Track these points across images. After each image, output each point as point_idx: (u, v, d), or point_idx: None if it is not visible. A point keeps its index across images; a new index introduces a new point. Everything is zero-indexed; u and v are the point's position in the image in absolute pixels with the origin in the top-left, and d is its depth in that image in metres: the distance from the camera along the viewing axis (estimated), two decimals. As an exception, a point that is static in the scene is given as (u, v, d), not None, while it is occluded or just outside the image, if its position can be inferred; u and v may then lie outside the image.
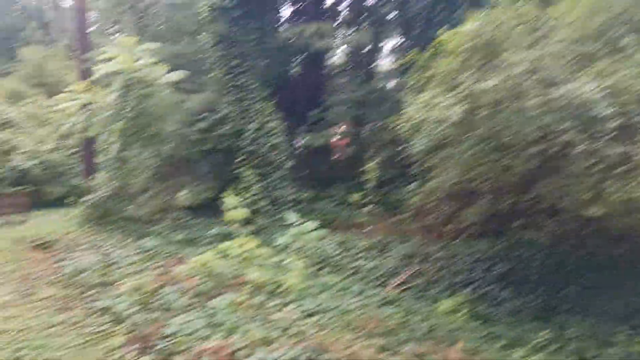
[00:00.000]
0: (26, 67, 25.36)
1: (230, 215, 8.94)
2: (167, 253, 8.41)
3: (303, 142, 15.02)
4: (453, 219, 9.39)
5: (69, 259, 7.76)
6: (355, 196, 12.62)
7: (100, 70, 10.56)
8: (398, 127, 7.61)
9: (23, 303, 5.98)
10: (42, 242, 9.04)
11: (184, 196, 12.21)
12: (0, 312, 5.58)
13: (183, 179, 12.58)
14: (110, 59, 10.64)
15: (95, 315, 5.59)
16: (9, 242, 9.63)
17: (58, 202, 17.44)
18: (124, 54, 10.47)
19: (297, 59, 15.99)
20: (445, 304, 7.33)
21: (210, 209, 11.59)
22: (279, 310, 5.52)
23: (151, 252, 8.37)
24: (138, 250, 8.38)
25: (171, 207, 11.37)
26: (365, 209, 12.31)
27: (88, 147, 14.70)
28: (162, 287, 6.11)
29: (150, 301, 5.72)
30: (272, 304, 5.70)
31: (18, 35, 33.54)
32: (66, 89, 11.68)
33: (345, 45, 17.15)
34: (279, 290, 6.15)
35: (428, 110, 6.89)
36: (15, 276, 7.09)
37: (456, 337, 5.68)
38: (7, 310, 5.68)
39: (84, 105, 11.22)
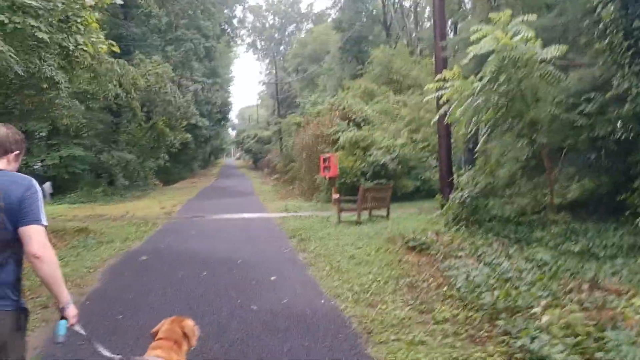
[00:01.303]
0: (375, 67, 26.98)
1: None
2: (567, 270, 6.67)
3: None
4: None
5: (453, 268, 6.80)
6: None
7: (469, 53, 9.49)
8: None
9: (422, 322, 5.15)
10: (416, 242, 8.42)
11: (567, 193, 10.17)
12: (403, 333, 4.82)
13: (561, 172, 10.55)
14: (479, 39, 9.47)
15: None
16: (382, 240, 9.43)
17: (411, 196, 17.60)
18: (497, 31, 9.13)
19: None
20: None
21: (601, 208, 9.31)
22: None
23: (548, 267, 6.77)
24: (530, 264, 6.89)
25: (549, 206, 9.55)
26: None
27: (444, 140, 14.04)
28: (601, 329, 4.44)
29: (592, 353, 4.11)
30: None
31: (366, 39, 36.72)
32: (437, 78, 11.00)
33: None
34: None
35: None
36: (402, 284, 6.44)
37: None
38: (408, 330, 4.89)
39: (452, 94, 10.41)
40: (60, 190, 22.71)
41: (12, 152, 2.54)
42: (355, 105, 20.56)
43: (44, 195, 19.49)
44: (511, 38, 9.07)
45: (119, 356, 2.65)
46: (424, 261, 7.61)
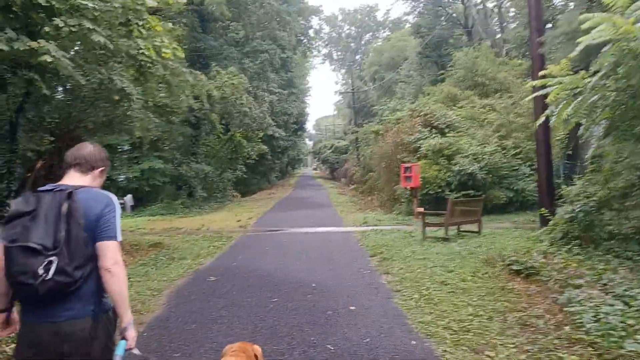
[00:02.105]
0: (457, 70, 25.46)
1: None
2: None
3: None
4: None
5: (575, 301, 5.50)
6: None
7: (580, 44, 8.11)
8: None
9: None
10: (521, 266, 7.13)
11: None
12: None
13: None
14: (590, 29, 8.07)
15: None
16: (478, 261, 8.20)
17: (502, 208, 16.01)
18: (615, 17, 7.70)
19: None
20: None
21: None
22: None
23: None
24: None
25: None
26: None
27: (543, 145, 12.49)
28: None
29: None
30: None
31: (446, 42, 35.09)
32: (541, 74, 9.61)
33: None
34: None
35: None
36: (511, 321, 5.25)
37: None
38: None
39: (558, 92, 9.02)
40: (142, 202, 23.13)
41: (97, 168, 2.67)
42: (438, 111, 19.22)
43: (125, 208, 19.94)
44: (632, 24, 7.60)
45: None
46: (534, 290, 6.33)
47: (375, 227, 13.95)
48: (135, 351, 2.60)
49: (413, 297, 6.32)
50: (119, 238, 2.49)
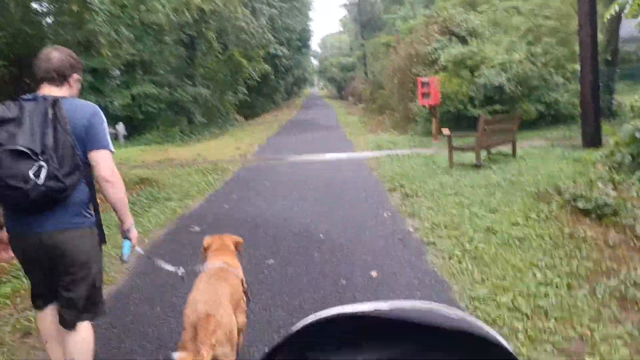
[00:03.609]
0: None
1: None
2: None
3: None
4: None
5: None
6: None
7: None
8: None
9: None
10: (590, 203, 5.50)
11: None
12: None
13: None
14: None
15: None
16: (526, 196, 6.56)
17: (533, 124, 14.18)
18: None
19: None
20: None
21: None
22: None
23: None
24: None
25: None
26: None
27: (588, 49, 10.48)
28: None
29: None
30: None
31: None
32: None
33: None
34: None
35: None
36: (603, 292, 3.68)
37: None
38: None
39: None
40: (137, 130, 21.45)
41: (70, 76, 2.60)
42: (458, 16, 16.84)
43: (117, 138, 18.32)
44: None
45: (182, 270, 3.00)
46: (617, 239, 4.73)
47: (390, 152, 12.25)
48: (138, 249, 2.91)
49: (454, 255, 4.72)
50: (112, 148, 2.57)
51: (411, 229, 5.73)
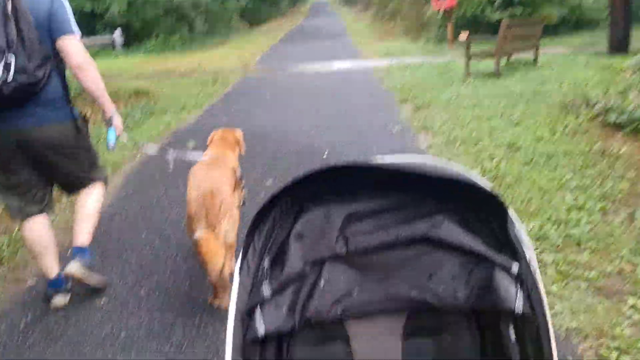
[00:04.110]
0: None
1: None
2: None
3: None
4: None
5: None
6: None
7: None
8: None
9: None
10: (622, 115, 4.93)
11: None
12: None
13: None
14: None
15: None
16: (551, 107, 5.96)
17: (554, 29, 13.16)
18: None
19: None
20: None
21: None
22: None
23: None
24: None
25: None
26: None
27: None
28: None
29: None
30: None
31: None
32: None
33: None
34: None
35: None
36: (642, 220, 3.24)
37: None
38: None
39: None
40: (136, 39, 20.42)
41: None
42: None
43: (114, 46, 17.43)
44: None
45: (171, 154, 3.00)
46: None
47: (400, 60, 11.44)
48: (124, 137, 2.82)
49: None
50: (78, 32, 2.47)
51: (423, 146, 5.21)
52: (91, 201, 2.75)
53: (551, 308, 2.45)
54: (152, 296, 2.86)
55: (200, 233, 2.38)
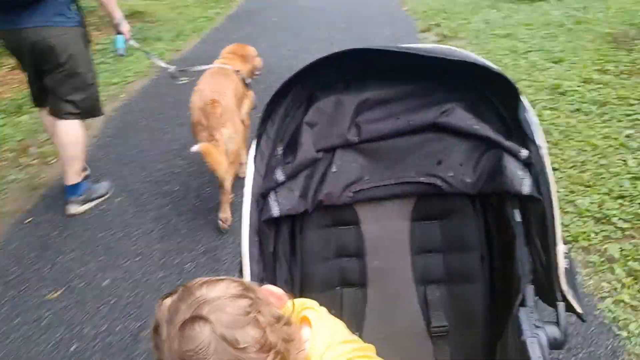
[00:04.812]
0: None
1: None
2: None
3: None
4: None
5: None
6: None
7: None
8: None
9: None
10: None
11: None
12: None
13: None
14: None
15: None
16: (599, 39, 5.13)
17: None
18: None
19: None
20: None
21: None
22: None
23: None
24: None
25: None
26: None
27: None
28: None
29: None
30: None
31: None
32: None
33: None
34: None
35: None
36: None
37: None
38: None
39: None
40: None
41: None
42: None
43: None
44: None
45: (174, 66, 3.14)
46: None
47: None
48: (133, 42, 2.96)
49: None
50: None
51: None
52: (69, 142, 2.75)
53: (625, 327, 1.91)
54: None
55: (197, 146, 2.44)
